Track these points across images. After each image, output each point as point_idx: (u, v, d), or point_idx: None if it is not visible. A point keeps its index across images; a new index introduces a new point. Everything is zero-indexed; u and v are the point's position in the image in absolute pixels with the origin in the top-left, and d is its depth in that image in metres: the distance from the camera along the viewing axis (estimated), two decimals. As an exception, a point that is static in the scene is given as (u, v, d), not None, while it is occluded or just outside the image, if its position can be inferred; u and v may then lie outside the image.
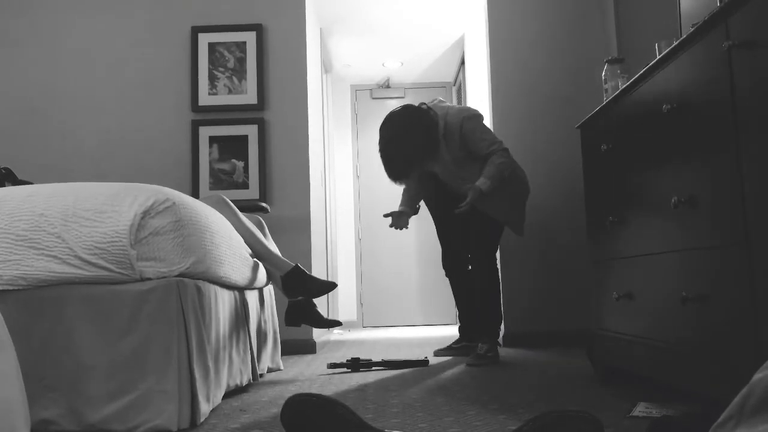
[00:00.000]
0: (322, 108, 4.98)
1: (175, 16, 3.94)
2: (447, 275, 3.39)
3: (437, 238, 3.41)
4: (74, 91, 3.91)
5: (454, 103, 6.52)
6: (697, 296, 1.57)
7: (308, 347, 3.73)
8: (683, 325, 1.68)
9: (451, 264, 3.34)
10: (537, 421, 1.35)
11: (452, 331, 3.13)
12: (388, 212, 3.24)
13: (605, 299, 2.24)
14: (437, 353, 3.36)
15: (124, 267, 1.72)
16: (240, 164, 3.82)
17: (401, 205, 3.30)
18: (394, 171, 2.97)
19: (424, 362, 2.92)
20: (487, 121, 4.19)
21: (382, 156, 2.98)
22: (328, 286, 2.60)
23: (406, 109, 3.01)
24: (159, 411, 1.65)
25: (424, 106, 3.04)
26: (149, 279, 1.74)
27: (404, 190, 3.33)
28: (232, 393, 2.27)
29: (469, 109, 3.12)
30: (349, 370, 2.84)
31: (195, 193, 3.76)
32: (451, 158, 3.03)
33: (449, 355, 3.33)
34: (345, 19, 5.02)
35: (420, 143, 2.92)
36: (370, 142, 6.45)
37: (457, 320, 3.40)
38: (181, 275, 1.79)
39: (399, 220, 3.25)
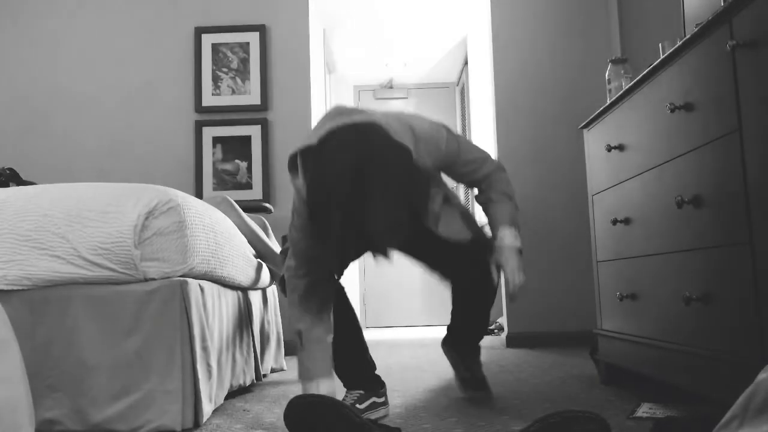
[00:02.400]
0: (326, 109, 4.99)
1: (178, 17, 3.94)
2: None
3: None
4: (77, 91, 3.92)
5: (457, 105, 6.51)
6: (701, 296, 1.56)
7: (311, 348, 3.72)
8: (687, 325, 1.68)
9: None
10: (542, 423, 1.35)
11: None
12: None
13: (608, 300, 2.24)
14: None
15: (127, 267, 1.72)
16: (243, 165, 3.83)
17: (313, 328, 1.79)
18: (379, 246, 1.49)
19: None
20: (491, 123, 4.19)
21: (349, 217, 1.40)
22: (331, 287, 2.57)
23: (372, 132, 1.49)
24: (162, 411, 1.65)
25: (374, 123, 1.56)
26: (153, 279, 1.75)
27: (304, 292, 1.78)
28: (235, 393, 2.28)
29: (434, 122, 1.79)
30: None
31: (198, 194, 3.76)
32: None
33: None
34: (348, 20, 5.02)
35: (407, 189, 1.47)
36: (373, 142, 6.45)
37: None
38: (184, 275, 1.79)
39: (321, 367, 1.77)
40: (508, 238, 1.84)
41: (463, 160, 1.83)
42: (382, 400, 1.90)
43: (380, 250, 1.53)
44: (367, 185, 1.38)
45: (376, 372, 1.95)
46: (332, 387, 1.75)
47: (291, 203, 1.56)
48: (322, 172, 1.43)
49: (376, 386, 1.90)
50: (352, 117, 1.62)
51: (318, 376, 1.75)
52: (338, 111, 1.69)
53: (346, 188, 1.38)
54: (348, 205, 1.39)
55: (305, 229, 1.70)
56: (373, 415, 1.83)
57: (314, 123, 3.96)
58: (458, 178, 1.89)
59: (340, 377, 1.93)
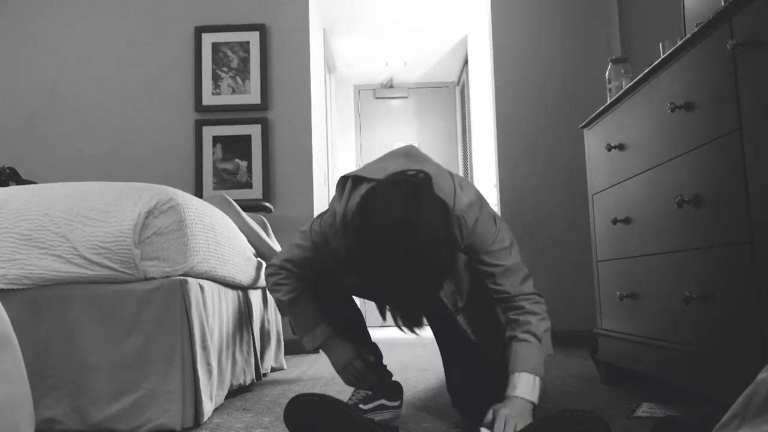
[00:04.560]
0: (326, 108, 4.99)
1: (178, 16, 3.94)
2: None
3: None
4: (78, 91, 3.92)
5: (457, 105, 6.51)
6: (701, 296, 1.56)
7: (311, 347, 3.72)
8: (687, 325, 1.68)
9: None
10: (542, 422, 1.35)
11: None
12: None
13: (608, 299, 2.24)
14: None
15: (128, 266, 1.72)
16: (243, 164, 3.83)
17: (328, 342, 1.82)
18: (413, 312, 1.69)
19: None
20: (491, 122, 4.18)
21: (389, 281, 1.52)
22: (331, 287, 2.56)
23: (424, 190, 1.48)
24: (162, 410, 1.65)
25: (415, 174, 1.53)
26: (153, 278, 1.75)
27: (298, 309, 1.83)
28: (235, 392, 2.28)
29: (474, 193, 1.66)
30: None
31: (198, 193, 3.76)
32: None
33: None
34: (348, 19, 5.02)
35: (446, 248, 1.52)
36: (373, 141, 6.46)
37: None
38: (184, 275, 1.79)
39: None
40: (522, 387, 1.50)
41: (492, 258, 1.71)
42: (394, 404, 1.84)
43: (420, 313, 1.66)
44: (409, 236, 1.39)
45: (394, 378, 1.91)
46: (328, 331, 1.80)
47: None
48: (376, 210, 1.42)
49: (389, 389, 1.85)
50: (416, 164, 1.63)
51: (311, 328, 1.81)
52: (406, 152, 1.70)
53: (391, 233, 1.39)
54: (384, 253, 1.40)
55: (321, 250, 1.72)
56: (377, 417, 1.76)
57: (314, 122, 3.97)
58: (479, 272, 1.72)
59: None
